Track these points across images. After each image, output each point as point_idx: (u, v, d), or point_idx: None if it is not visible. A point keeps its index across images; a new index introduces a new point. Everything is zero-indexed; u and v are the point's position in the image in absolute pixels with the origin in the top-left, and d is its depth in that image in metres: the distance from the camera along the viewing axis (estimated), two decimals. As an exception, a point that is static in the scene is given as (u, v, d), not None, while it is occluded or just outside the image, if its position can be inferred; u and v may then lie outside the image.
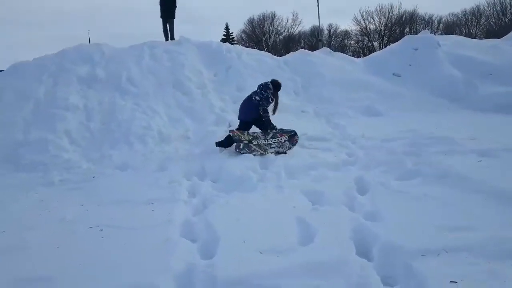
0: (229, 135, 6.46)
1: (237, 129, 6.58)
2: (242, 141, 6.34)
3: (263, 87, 6.67)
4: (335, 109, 8.79)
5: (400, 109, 8.91)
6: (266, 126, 6.53)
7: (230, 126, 7.90)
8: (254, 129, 6.72)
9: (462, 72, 10.23)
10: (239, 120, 6.79)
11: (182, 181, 5.24)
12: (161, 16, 11.43)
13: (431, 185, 4.44)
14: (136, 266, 3.03)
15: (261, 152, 6.30)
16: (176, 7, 11.51)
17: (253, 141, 6.37)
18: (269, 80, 6.84)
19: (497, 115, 8.41)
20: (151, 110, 8.08)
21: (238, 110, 6.86)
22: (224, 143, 6.54)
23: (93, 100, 8.28)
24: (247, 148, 6.32)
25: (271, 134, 6.43)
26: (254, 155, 6.21)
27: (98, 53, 9.89)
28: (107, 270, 3.00)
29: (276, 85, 6.74)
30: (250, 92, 6.87)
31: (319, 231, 3.45)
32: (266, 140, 6.41)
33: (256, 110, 6.53)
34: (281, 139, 6.40)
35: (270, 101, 6.65)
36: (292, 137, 6.44)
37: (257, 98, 6.55)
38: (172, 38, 11.42)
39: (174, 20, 11.54)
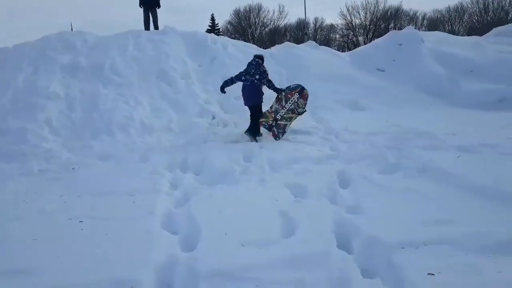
0: (253, 124, 6.74)
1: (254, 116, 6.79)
2: (272, 125, 6.73)
3: (255, 66, 6.79)
4: (320, 102, 8.81)
5: (384, 104, 9.00)
6: (277, 91, 6.93)
7: (214, 118, 7.86)
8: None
9: (445, 68, 10.37)
10: (247, 106, 6.91)
11: (164, 172, 5.19)
12: (140, 5, 10.96)
13: (412, 179, 4.50)
14: (117, 259, 2.99)
15: (290, 122, 6.81)
16: None
17: (278, 118, 6.78)
18: (255, 58, 6.91)
19: (478, 111, 8.56)
20: (134, 100, 7.97)
21: (243, 96, 6.91)
22: (257, 132, 6.79)
23: (75, 89, 8.13)
24: (279, 128, 6.73)
25: (284, 98, 6.84)
26: (287, 129, 6.76)
27: (81, 41, 9.71)
28: (87, 263, 2.96)
29: (262, 59, 6.98)
30: (240, 74, 6.85)
31: (301, 224, 3.46)
32: (284, 108, 6.82)
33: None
34: (293, 98, 6.84)
35: (267, 72, 6.91)
36: (301, 92, 6.88)
37: (257, 77, 6.71)
38: (156, 28, 11.15)
39: (158, 9, 11.23)
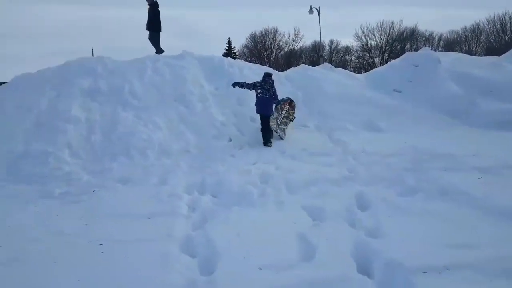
0: (263, 128, 7.84)
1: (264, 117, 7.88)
2: (278, 129, 8.01)
3: (271, 84, 8.09)
4: (336, 124, 8.80)
5: (401, 125, 8.92)
6: (277, 104, 8.33)
7: (230, 140, 7.93)
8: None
9: (462, 88, 10.26)
10: (261, 114, 7.94)
11: (182, 195, 5.22)
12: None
13: (432, 202, 4.43)
14: (136, 282, 3.01)
15: (286, 126, 8.32)
16: (156, 18, 11.07)
17: (278, 123, 8.15)
18: (270, 77, 8.19)
19: (497, 132, 8.40)
20: (153, 123, 8.10)
21: (259, 106, 7.97)
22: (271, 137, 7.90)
23: (95, 113, 8.31)
24: (282, 131, 8.08)
25: (280, 108, 8.41)
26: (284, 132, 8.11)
27: (101, 66, 9.96)
28: (107, 285, 2.97)
29: (271, 76, 8.34)
30: (255, 86, 8.11)
31: (319, 247, 3.42)
32: (281, 116, 8.36)
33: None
34: (286, 108, 8.55)
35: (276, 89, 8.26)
36: (291, 103, 8.73)
37: (273, 95, 8.02)
38: (157, 52, 11.16)
39: (155, 33, 11.16)
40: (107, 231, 4.08)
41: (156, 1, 11.12)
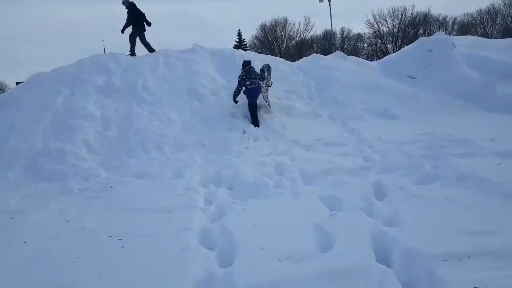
0: (254, 112, 8.25)
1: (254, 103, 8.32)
2: (266, 97, 8.59)
3: (253, 71, 8.53)
4: (350, 112, 8.74)
5: (417, 112, 8.81)
6: (263, 79, 8.79)
7: (244, 132, 7.94)
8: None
9: (479, 72, 10.06)
10: (253, 102, 8.26)
11: (198, 188, 5.26)
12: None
13: (451, 188, 4.38)
14: (156, 275, 3.06)
15: (267, 92, 8.83)
16: (134, 19, 10.82)
17: (264, 93, 8.68)
18: (249, 65, 8.59)
19: (516, 115, 8.24)
20: (167, 117, 8.16)
21: (252, 97, 8.30)
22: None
23: (109, 109, 8.40)
24: (267, 99, 8.60)
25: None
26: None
27: (114, 62, 10.05)
28: (128, 279, 3.03)
29: (250, 63, 8.83)
30: (240, 84, 8.43)
31: (337, 237, 3.42)
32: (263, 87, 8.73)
33: None
34: (267, 77, 8.96)
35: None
36: (269, 69, 9.11)
37: (260, 79, 8.51)
38: (130, 53, 11.04)
39: (133, 34, 11.01)
40: (126, 226, 4.14)
41: (132, 2, 10.91)
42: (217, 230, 3.90)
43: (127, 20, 10.89)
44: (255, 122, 8.18)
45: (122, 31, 11.09)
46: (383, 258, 3.13)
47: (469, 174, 4.61)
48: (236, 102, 8.54)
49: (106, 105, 8.50)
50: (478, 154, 5.46)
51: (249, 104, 8.32)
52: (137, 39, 11.09)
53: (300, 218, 3.96)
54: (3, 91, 42.36)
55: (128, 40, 11.11)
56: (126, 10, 10.91)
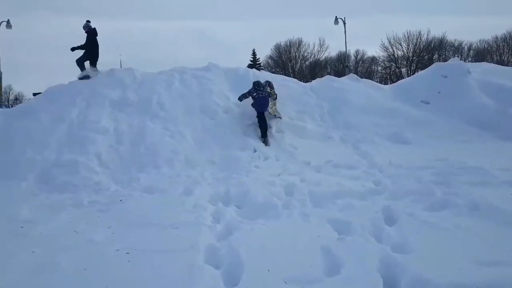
0: (262, 123, 8.75)
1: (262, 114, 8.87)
2: (276, 112, 9.24)
3: (262, 85, 9.29)
4: (362, 136, 8.73)
5: (429, 137, 8.76)
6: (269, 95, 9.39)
7: (255, 151, 7.96)
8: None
9: (493, 100, 10.02)
10: (261, 112, 8.79)
11: (207, 205, 5.25)
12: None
13: (462, 217, 4.31)
14: (161, 292, 3.04)
15: (275, 106, 9.46)
16: (93, 47, 10.39)
17: (273, 107, 9.32)
18: (258, 81, 9.40)
19: (531, 145, 8.14)
20: (179, 134, 8.24)
21: (259, 105, 8.87)
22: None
23: (123, 123, 8.52)
24: (278, 112, 9.28)
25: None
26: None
27: (130, 77, 10.23)
28: (133, 294, 3.03)
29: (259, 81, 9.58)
30: (250, 92, 9.24)
31: (345, 262, 3.38)
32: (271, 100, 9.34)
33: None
34: (271, 91, 9.56)
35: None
36: (270, 84, 9.71)
37: (266, 92, 9.18)
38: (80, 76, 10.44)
39: (84, 58, 10.48)
40: (134, 240, 4.15)
41: (94, 28, 10.46)
42: (224, 249, 3.88)
43: (85, 45, 10.34)
44: (264, 134, 8.56)
45: (72, 50, 10.37)
46: (391, 285, 3.08)
47: (481, 203, 4.54)
48: (240, 100, 9.37)
49: (119, 119, 8.63)
50: (491, 183, 5.39)
51: (257, 115, 8.76)
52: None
53: (308, 241, 3.93)
54: (21, 102, 43.28)
55: (76, 64, 10.52)
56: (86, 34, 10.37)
